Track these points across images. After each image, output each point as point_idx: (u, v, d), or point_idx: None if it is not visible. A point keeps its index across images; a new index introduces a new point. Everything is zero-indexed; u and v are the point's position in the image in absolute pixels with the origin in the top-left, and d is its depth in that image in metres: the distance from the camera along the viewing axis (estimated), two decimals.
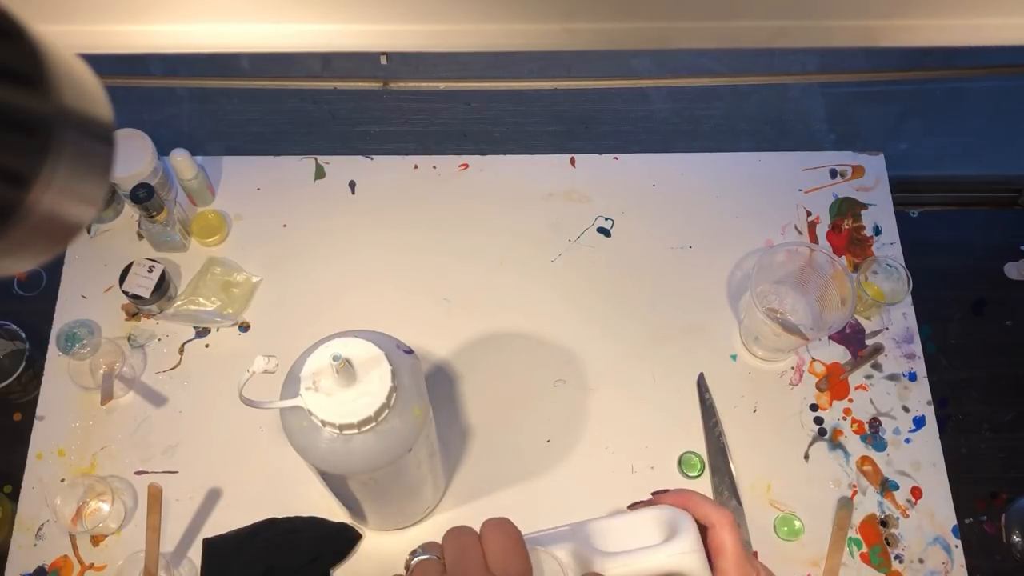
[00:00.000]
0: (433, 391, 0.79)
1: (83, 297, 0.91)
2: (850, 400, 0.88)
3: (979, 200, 1.03)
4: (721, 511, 0.47)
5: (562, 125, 1.05)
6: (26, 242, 0.23)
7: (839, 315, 0.82)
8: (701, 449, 0.85)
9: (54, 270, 0.93)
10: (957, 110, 1.11)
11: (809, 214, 0.97)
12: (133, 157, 0.88)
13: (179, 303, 0.90)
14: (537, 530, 0.50)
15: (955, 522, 0.83)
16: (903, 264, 0.91)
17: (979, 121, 1.10)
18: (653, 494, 0.51)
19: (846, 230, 0.96)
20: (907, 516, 0.83)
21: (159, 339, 0.90)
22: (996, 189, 1.03)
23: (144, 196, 0.84)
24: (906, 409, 0.88)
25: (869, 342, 0.91)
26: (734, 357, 0.90)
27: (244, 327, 0.90)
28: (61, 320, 0.89)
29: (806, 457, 0.86)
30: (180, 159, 0.89)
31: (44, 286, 0.93)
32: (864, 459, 0.85)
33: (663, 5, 0.45)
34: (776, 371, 0.90)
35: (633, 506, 0.51)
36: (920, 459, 0.85)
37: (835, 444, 0.86)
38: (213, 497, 0.83)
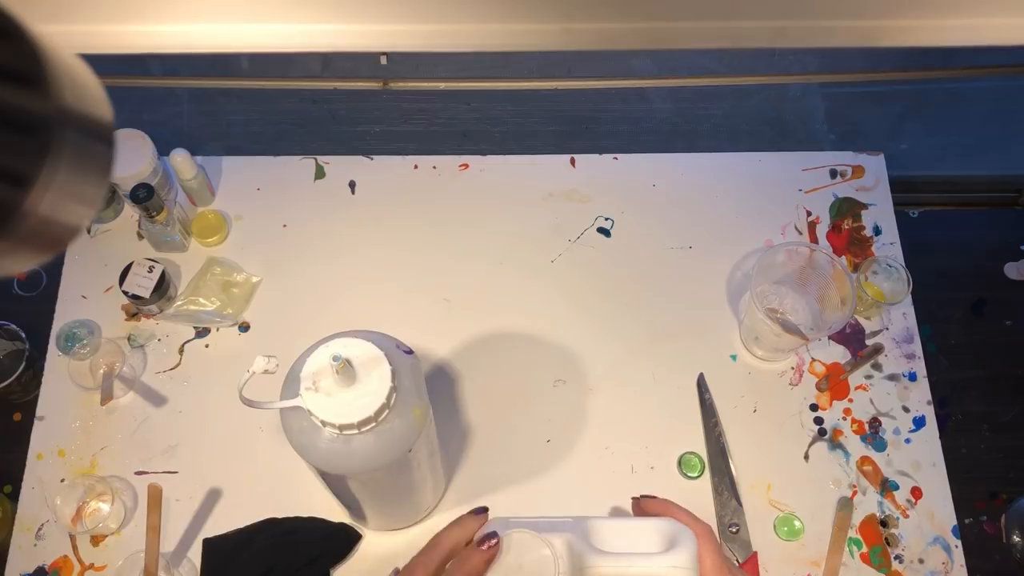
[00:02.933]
0: (433, 391, 0.79)
1: (83, 297, 0.91)
2: (850, 400, 0.88)
3: (979, 200, 1.03)
4: (699, 523, 0.47)
5: (562, 125, 1.05)
6: (26, 242, 0.23)
7: (839, 315, 0.82)
8: (701, 449, 0.85)
9: (54, 270, 0.93)
10: (957, 110, 1.11)
11: (809, 214, 0.97)
12: (133, 157, 0.88)
13: (179, 303, 0.90)
14: (540, 516, 0.51)
15: (955, 522, 0.83)
16: (903, 264, 0.91)
17: (979, 121, 1.10)
18: (639, 497, 0.51)
19: (846, 230, 0.96)
20: (907, 516, 0.83)
21: (159, 339, 0.90)
22: (996, 189, 1.03)
23: (144, 196, 0.84)
24: (906, 409, 0.88)
25: (869, 342, 0.91)
26: (734, 357, 0.90)
27: (244, 327, 0.90)
28: (61, 320, 0.89)
29: (806, 457, 0.86)
30: (180, 159, 0.89)
31: (44, 286, 0.92)
32: (864, 459, 0.85)
33: (663, 5, 0.45)
34: (776, 371, 0.90)
35: (636, 500, 0.51)
36: (920, 459, 0.85)
37: (835, 444, 0.86)
38: (213, 497, 0.83)
